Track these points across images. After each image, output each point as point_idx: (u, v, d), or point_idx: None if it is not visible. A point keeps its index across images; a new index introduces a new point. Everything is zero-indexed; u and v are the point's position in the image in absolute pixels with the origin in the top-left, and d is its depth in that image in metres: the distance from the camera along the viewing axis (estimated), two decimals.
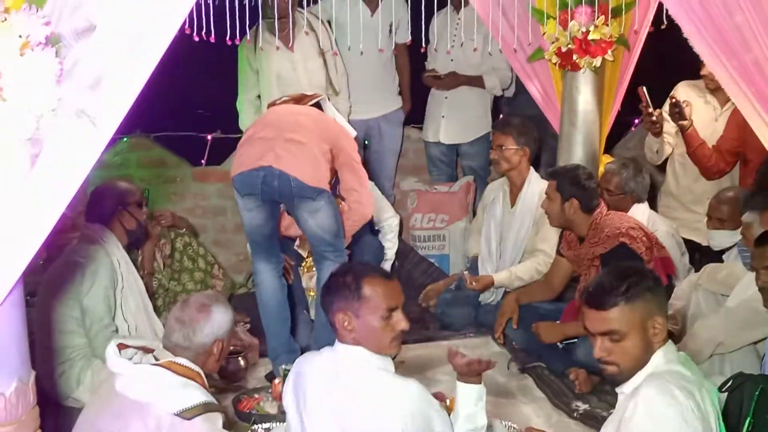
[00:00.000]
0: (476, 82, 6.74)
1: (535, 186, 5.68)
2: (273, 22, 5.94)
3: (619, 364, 2.96)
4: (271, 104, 5.19)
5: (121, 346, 3.18)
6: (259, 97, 6.42)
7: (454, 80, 6.72)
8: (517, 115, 6.65)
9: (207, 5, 4.04)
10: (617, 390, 3.05)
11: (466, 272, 5.85)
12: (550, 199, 4.95)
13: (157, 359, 3.19)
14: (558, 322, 5.08)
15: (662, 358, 2.94)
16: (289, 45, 6.19)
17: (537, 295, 5.43)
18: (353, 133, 5.13)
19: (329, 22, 6.41)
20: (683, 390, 2.82)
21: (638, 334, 2.93)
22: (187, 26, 3.98)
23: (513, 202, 5.83)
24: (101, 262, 4.57)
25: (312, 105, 5.06)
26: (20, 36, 2.31)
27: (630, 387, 2.96)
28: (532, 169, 5.78)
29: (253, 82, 6.40)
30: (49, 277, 4.63)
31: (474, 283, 5.68)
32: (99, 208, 4.81)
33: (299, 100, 5.09)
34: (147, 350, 3.24)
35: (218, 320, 3.31)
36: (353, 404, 3.19)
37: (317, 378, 3.30)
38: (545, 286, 5.44)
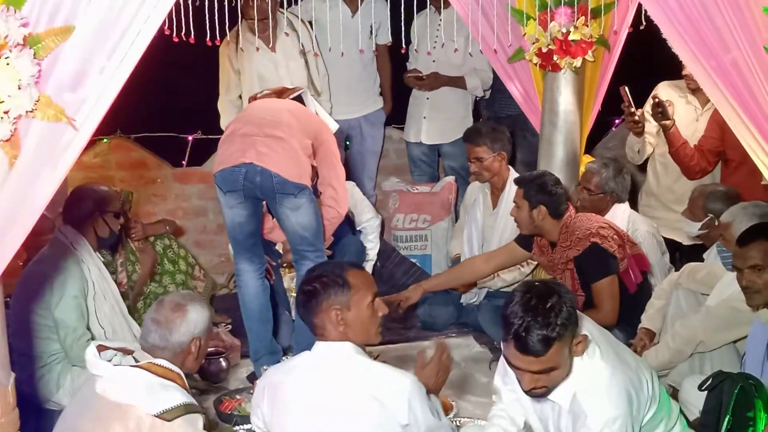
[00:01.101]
0: (458, 82, 6.74)
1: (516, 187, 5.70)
2: (254, 23, 5.93)
3: (548, 386, 3.10)
4: (252, 98, 5.18)
5: (101, 348, 3.17)
6: (240, 97, 6.41)
7: (436, 81, 6.71)
8: (493, 116, 6.71)
9: (186, 6, 4.03)
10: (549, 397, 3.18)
11: None
12: (518, 207, 4.93)
13: (137, 361, 3.19)
14: None
15: (577, 363, 3.14)
16: (270, 45, 6.18)
17: (467, 275, 5.44)
18: (335, 126, 5.13)
19: (310, 23, 6.41)
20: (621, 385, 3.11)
21: (567, 358, 3.08)
22: (166, 27, 3.98)
23: (495, 204, 5.85)
24: (70, 272, 4.52)
25: (294, 98, 5.05)
26: None
27: (565, 399, 3.15)
28: (511, 169, 5.80)
29: (234, 83, 6.39)
30: (22, 284, 4.58)
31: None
32: (76, 209, 4.77)
33: (280, 93, 5.08)
34: (126, 352, 3.23)
35: (194, 319, 3.30)
36: (353, 400, 3.18)
37: (303, 384, 3.27)
38: (480, 263, 5.42)
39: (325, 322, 3.28)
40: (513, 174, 5.75)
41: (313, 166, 4.91)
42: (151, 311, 3.34)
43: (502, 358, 3.37)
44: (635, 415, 3.16)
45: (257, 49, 6.06)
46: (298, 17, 6.11)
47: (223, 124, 6.45)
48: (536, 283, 3.20)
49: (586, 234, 4.72)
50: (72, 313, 4.46)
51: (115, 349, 3.22)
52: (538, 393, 3.12)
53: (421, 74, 6.72)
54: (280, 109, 4.86)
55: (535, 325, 2.96)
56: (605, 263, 4.70)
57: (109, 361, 3.14)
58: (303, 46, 6.24)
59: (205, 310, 3.37)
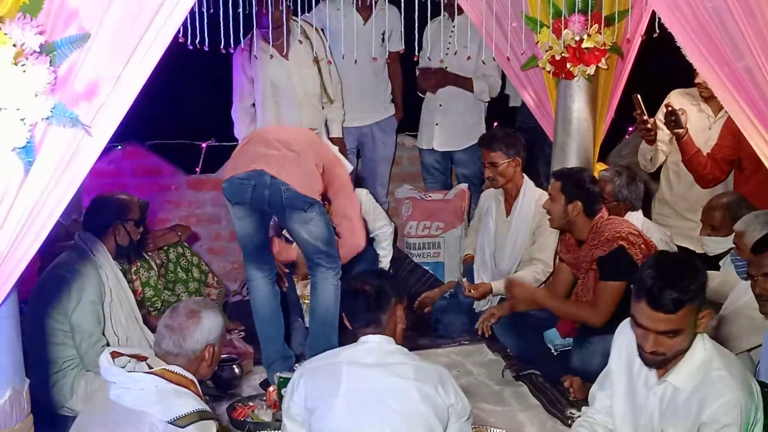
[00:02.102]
0: (465, 83, 6.70)
1: (531, 194, 5.68)
2: (267, 31, 5.94)
3: (666, 353, 3.13)
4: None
5: (115, 354, 3.18)
6: (253, 105, 6.43)
7: (443, 77, 6.66)
8: (522, 126, 6.69)
9: (201, 14, 4.05)
10: (664, 379, 3.20)
11: (464, 279, 5.84)
12: (553, 200, 4.92)
13: (150, 367, 3.19)
14: (553, 329, 5.08)
15: (703, 342, 3.16)
16: (284, 53, 6.19)
17: None
18: (350, 167, 5.14)
19: (323, 30, 6.42)
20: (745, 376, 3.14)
21: (691, 328, 3.11)
22: (181, 35, 3.99)
23: (508, 211, 5.83)
24: (88, 277, 4.54)
25: None
26: (14, 45, 2.32)
27: (680, 378, 3.15)
28: (525, 176, 5.79)
29: (248, 91, 6.40)
30: (38, 289, 4.60)
31: (472, 291, 5.68)
32: (97, 217, 4.79)
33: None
34: (140, 358, 3.24)
35: (208, 325, 3.31)
36: (408, 378, 3.27)
37: (354, 364, 3.34)
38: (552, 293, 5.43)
39: (390, 317, 3.43)
40: (528, 183, 5.74)
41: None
42: (165, 317, 3.34)
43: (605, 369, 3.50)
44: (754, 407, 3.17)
45: (271, 57, 6.06)
46: (311, 25, 6.13)
47: (236, 131, 6.48)
48: (670, 253, 3.31)
49: (615, 236, 4.71)
50: (88, 318, 4.47)
51: (129, 355, 3.23)
52: (657, 360, 3.15)
53: (429, 67, 6.67)
54: (295, 130, 4.96)
55: (669, 285, 3.03)
56: (623, 268, 4.66)
57: (123, 367, 3.15)
58: (316, 54, 6.25)
59: (218, 317, 3.38)
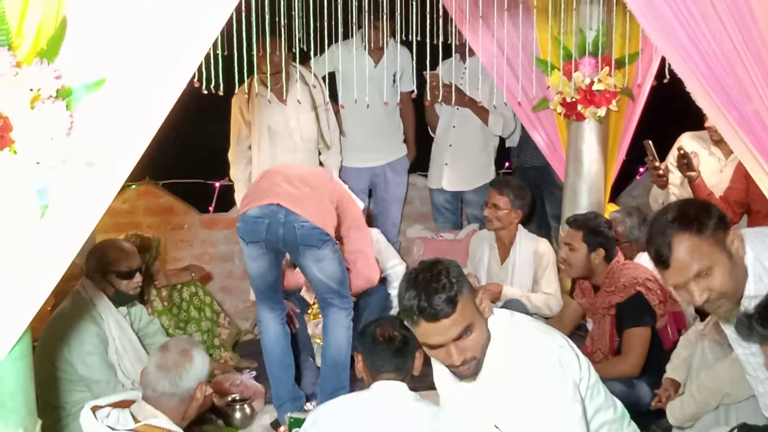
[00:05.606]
0: (481, 112, 6.67)
1: (526, 243, 5.74)
2: (266, 76, 5.96)
3: (476, 355, 2.95)
4: None
5: (95, 408, 3.17)
6: (250, 147, 6.45)
7: (459, 96, 6.46)
8: (519, 166, 6.71)
9: (216, 57, 4.08)
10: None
11: (474, 275, 5.84)
12: (573, 250, 4.86)
13: (135, 417, 3.19)
14: None
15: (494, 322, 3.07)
16: (282, 98, 6.22)
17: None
18: (361, 204, 5.18)
19: (333, 73, 6.44)
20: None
21: (479, 317, 2.97)
22: (196, 80, 4.02)
23: (503, 258, 5.85)
24: (84, 328, 4.46)
25: None
26: (31, 89, 2.36)
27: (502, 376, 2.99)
28: (521, 228, 5.84)
29: (245, 134, 6.42)
30: (44, 337, 4.53)
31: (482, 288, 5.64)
32: (90, 264, 4.73)
33: None
34: (124, 404, 3.23)
35: (199, 364, 3.37)
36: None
37: (363, 414, 3.37)
38: (558, 325, 5.41)
39: (413, 362, 3.54)
40: (522, 232, 5.79)
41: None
42: (155, 358, 3.36)
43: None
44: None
45: (275, 102, 6.06)
46: (310, 72, 6.18)
47: (233, 174, 6.51)
48: (417, 267, 3.03)
49: (632, 282, 4.70)
50: (97, 368, 4.42)
51: (111, 405, 3.22)
52: (472, 366, 2.96)
53: (446, 83, 6.47)
54: (309, 168, 5.03)
55: (433, 292, 2.85)
56: (642, 314, 4.67)
57: (107, 416, 3.15)
58: (314, 100, 6.30)
59: (206, 355, 3.44)
